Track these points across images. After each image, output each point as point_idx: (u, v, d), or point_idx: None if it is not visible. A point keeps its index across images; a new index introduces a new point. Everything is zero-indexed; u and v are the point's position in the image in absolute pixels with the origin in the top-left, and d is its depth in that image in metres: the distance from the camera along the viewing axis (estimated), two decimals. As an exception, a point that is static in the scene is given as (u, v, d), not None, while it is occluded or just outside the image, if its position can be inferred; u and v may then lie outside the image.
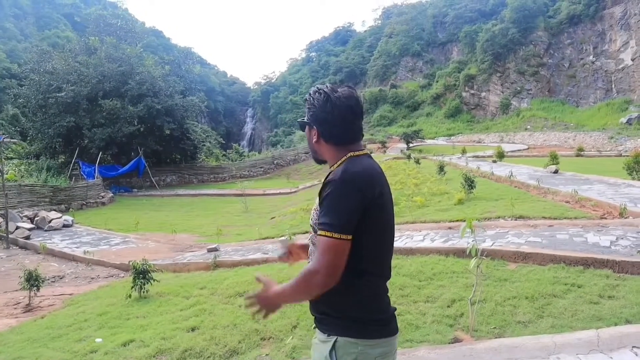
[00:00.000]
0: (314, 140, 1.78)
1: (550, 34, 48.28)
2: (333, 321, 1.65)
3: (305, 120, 1.80)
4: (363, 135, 1.81)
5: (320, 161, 1.84)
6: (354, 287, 1.64)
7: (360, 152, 1.73)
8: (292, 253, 2.01)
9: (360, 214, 1.58)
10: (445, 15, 65.54)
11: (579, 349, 3.47)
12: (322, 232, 1.57)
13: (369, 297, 1.65)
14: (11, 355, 4.66)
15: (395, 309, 1.79)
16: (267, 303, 1.70)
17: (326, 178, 1.68)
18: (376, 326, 1.65)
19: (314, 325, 1.80)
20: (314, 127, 1.76)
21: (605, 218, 7.93)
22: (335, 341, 1.63)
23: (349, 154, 1.71)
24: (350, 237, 1.56)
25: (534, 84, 48.69)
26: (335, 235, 1.55)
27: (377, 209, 1.64)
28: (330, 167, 1.75)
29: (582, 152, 25.58)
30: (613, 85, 41.39)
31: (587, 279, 4.90)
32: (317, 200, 1.70)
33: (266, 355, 3.99)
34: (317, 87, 1.78)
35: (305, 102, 1.83)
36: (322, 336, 1.69)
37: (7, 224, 12.24)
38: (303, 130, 1.87)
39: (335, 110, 1.70)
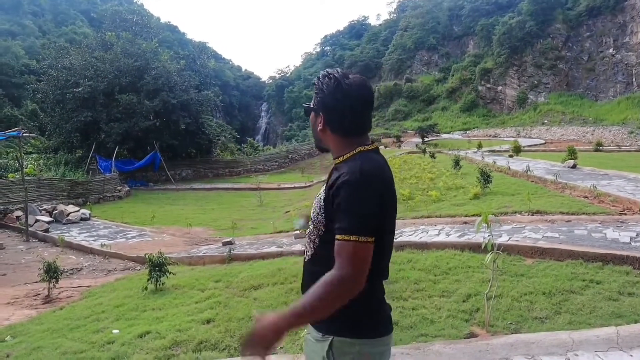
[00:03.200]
0: (319, 128, 1.67)
1: (569, 27, 47.37)
2: (329, 320, 1.53)
3: (311, 106, 1.70)
4: (371, 128, 1.70)
5: (323, 149, 1.75)
6: None
7: (370, 147, 1.63)
8: None
9: (379, 215, 1.51)
10: (461, 8, 64.75)
11: (597, 346, 3.41)
12: (347, 237, 1.46)
13: (367, 297, 1.55)
14: (31, 345, 4.75)
15: (391, 309, 1.73)
16: (264, 334, 1.46)
17: (335, 173, 1.58)
18: (373, 325, 1.60)
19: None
20: (321, 114, 1.65)
21: (625, 214, 7.79)
22: (332, 341, 1.57)
23: (358, 149, 1.60)
24: (373, 239, 1.48)
25: (551, 78, 47.90)
26: (362, 238, 1.45)
27: (391, 210, 1.60)
28: (335, 158, 1.65)
29: (600, 147, 25.11)
30: (634, 79, 40.50)
31: (606, 275, 4.82)
32: (321, 194, 1.63)
33: (281, 348, 4.00)
34: (328, 71, 1.66)
35: (313, 85, 1.73)
36: (316, 334, 1.62)
37: (26, 217, 12.47)
38: (307, 116, 1.75)
39: (346, 99, 1.59)
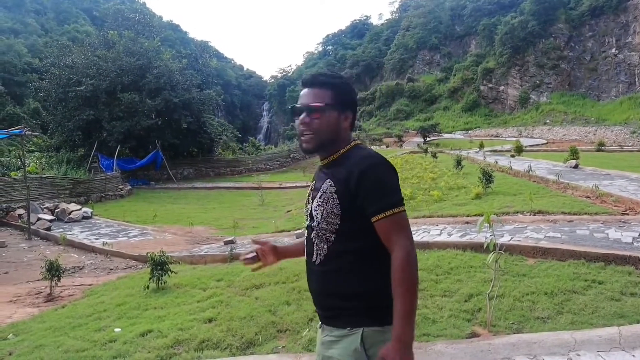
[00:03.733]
0: (345, 125, 1.72)
1: (571, 27, 47.33)
2: (355, 313, 1.59)
3: (330, 103, 1.67)
4: None
5: (319, 149, 1.72)
6: (382, 268, 1.57)
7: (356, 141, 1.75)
8: (264, 255, 1.95)
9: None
10: (463, 7, 64.71)
11: (599, 346, 3.41)
12: (395, 210, 1.55)
13: (388, 281, 1.56)
14: (33, 343, 4.76)
15: None
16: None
17: (341, 166, 1.64)
18: (391, 311, 1.57)
19: (321, 323, 1.73)
20: (348, 111, 1.72)
21: (627, 214, 7.77)
22: (362, 333, 1.57)
23: (353, 142, 1.72)
24: None
25: (553, 78, 47.86)
26: (402, 208, 1.58)
27: None
28: (329, 155, 1.71)
29: (603, 147, 25.07)
30: (636, 79, 40.42)
31: (609, 275, 4.81)
32: (327, 189, 1.64)
33: (282, 347, 4.01)
34: (333, 74, 1.76)
35: (320, 85, 1.71)
36: (339, 332, 1.62)
37: (29, 215, 12.49)
38: (310, 113, 1.67)
39: (356, 98, 1.78)
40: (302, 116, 1.69)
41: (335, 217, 1.62)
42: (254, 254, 1.96)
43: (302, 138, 1.70)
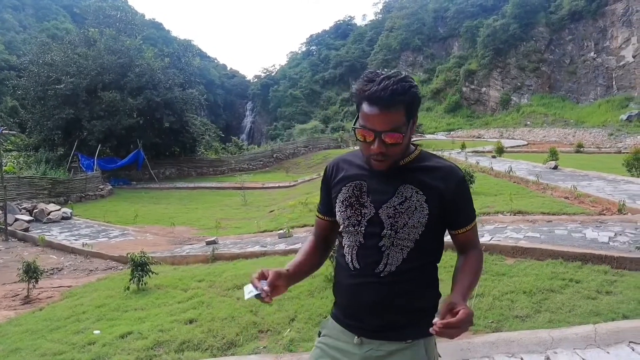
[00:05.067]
0: (413, 131, 1.57)
1: (552, 30, 48.06)
2: (418, 324, 1.54)
3: (405, 124, 1.51)
4: None
5: (398, 162, 1.57)
6: (436, 276, 1.69)
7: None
8: (274, 287, 1.52)
9: None
10: (446, 9, 65.24)
11: (576, 343, 3.47)
12: (475, 221, 1.66)
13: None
14: (9, 347, 4.67)
15: None
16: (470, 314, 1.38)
17: (424, 172, 1.57)
18: None
19: (359, 337, 1.58)
20: (416, 116, 1.56)
21: (604, 214, 7.94)
22: (424, 344, 1.58)
23: (418, 148, 1.66)
24: None
25: (534, 80, 48.56)
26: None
27: None
28: (399, 160, 1.57)
29: (581, 149, 25.56)
30: (614, 82, 41.26)
31: (585, 274, 4.90)
32: (417, 198, 1.54)
33: (264, 347, 4.00)
34: (404, 83, 1.47)
35: (397, 105, 1.46)
36: (396, 345, 1.55)
37: (5, 216, 12.23)
38: (386, 140, 1.48)
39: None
40: (375, 144, 1.48)
41: (420, 227, 1.53)
42: (264, 289, 1.50)
43: (374, 162, 1.53)
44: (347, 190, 1.62)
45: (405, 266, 1.55)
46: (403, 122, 1.48)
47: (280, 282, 1.54)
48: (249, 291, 1.47)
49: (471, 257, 1.63)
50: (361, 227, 1.57)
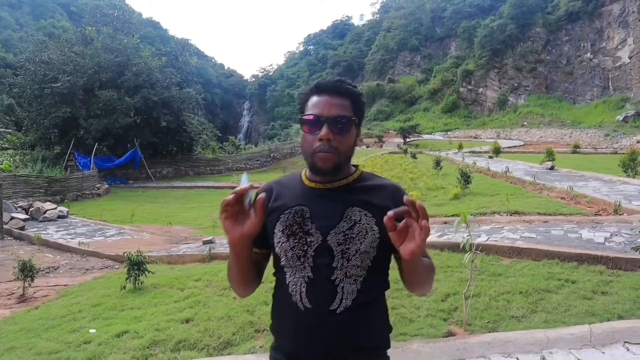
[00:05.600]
0: (356, 143, 1.48)
1: (549, 31, 48.23)
2: (384, 335, 1.50)
3: (352, 117, 1.43)
4: None
5: (338, 170, 1.44)
6: (386, 305, 1.54)
7: None
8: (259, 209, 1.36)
9: None
10: (443, 10, 65.42)
11: (571, 344, 3.48)
12: None
13: None
14: (4, 346, 4.65)
15: None
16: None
17: (372, 192, 1.45)
18: None
19: None
20: (359, 128, 1.49)
21: (600, 215, 7.97)
22: (386, 355, 1.50)
23: (359, 168, 1.54)
24: None
25: (531, 81, 48.72)
26: None
27: None
28: (337, 179, 1.46)
29: (578, 149, 25.66)
30: (610, 83, 41.43)
31: (581, 274, 4.92)
32: (366, 220, 1.40)
33: (260, 347, 4.00)
34: (349, 81, 1.48)
35: (344, 94, 1.44)
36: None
37: (1, 214, 12.17)
38: (334, 127, 1.40)
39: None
40: (323, 130, 1.38)
41: (372, 252, 1.40)
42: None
43: (319, 155, 1.40)
44: (287, 218, 1.43)
45: (361, 298, 1.39)
46: (350, 114, 1.41)
47: (256, 220, 1.35)
48: (245, 178, 1.40)
49: (430, 268, 1.48)
50: (307, 258, 1.39)
